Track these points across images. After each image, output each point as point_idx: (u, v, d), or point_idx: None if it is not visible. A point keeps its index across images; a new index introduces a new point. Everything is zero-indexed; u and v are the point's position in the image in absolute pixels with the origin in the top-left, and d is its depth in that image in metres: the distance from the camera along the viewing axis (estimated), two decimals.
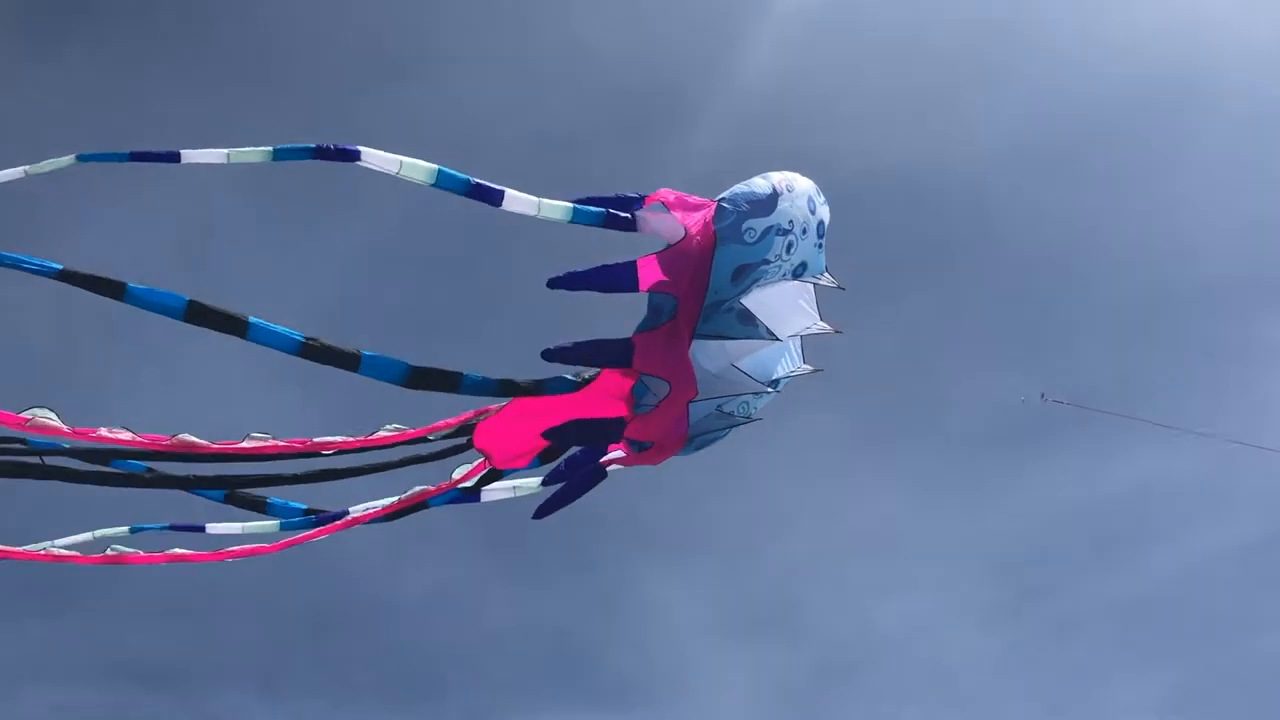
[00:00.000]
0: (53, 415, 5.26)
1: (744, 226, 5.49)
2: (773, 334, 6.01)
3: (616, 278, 5.37)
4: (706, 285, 5.53)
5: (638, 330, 5.69)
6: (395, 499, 5.76)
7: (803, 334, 6.31)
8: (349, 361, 4.97)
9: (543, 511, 6.01)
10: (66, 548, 5.87)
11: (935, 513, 29.92)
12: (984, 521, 31.77)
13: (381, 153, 4.97)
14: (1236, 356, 29.26)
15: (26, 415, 5.19)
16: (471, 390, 5.44)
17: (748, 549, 31.02)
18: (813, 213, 5.81)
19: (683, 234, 5.44)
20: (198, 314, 4.70)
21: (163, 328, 4.92)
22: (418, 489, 5.73)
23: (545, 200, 5.29)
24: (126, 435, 5.54)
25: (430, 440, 5.80)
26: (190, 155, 5.19)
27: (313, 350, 4.88)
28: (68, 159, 5.32)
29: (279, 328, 4.87)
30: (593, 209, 5.43)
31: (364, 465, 5.72)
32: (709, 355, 5.88)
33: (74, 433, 5.41)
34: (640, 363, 5.63)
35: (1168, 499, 31.04)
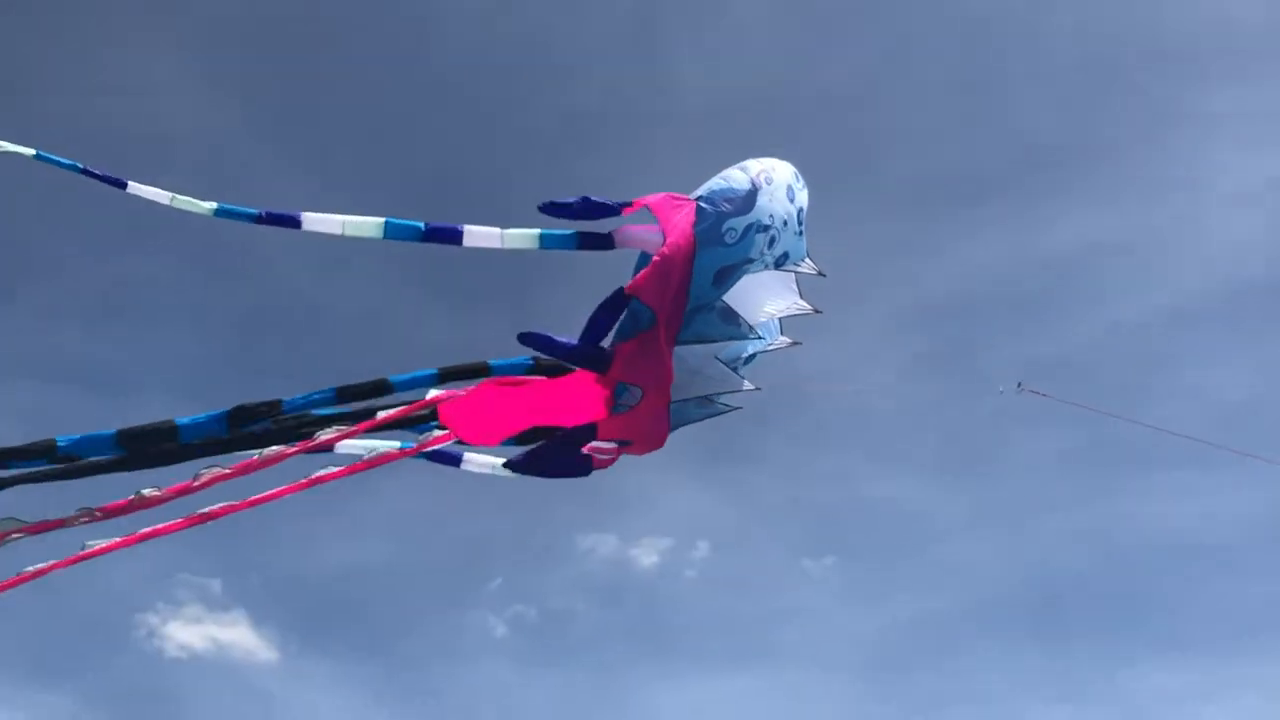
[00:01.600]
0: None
1: (724, 228, 5.41)
2: (755, 332, 5.90)
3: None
4: (687, 295, 5.48)
5: (617, 336, 5.62)
6: (361, 459, 5.47)
7: (782, 315, 6.16)
8: (271, 408, 5.26)
9: (518, 465, 5.70)
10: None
11: (867, 260, 27.98)
12: (913, 273, 29.52)
13: (323, 215, 5.04)
14: (1183, 123, 29.22)
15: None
16: (407, 385, 5.40)
17: None
18: (792, 201, 5.75)
19: (660, 243, 5.43)
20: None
21: None
22: (385, 448, 5.49)
23: (510, 230, 5.27)
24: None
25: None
26: (136, 188, 5.37)
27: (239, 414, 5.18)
28: (28, 150, 5.46)
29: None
30: (564, 233, 5.40)
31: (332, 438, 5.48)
32: (690, 349, 5.79)
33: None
34: (618, 371, 5.52)
35: (1099, 263, 28.79)
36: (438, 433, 5.54)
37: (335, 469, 5.33)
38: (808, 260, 6.01)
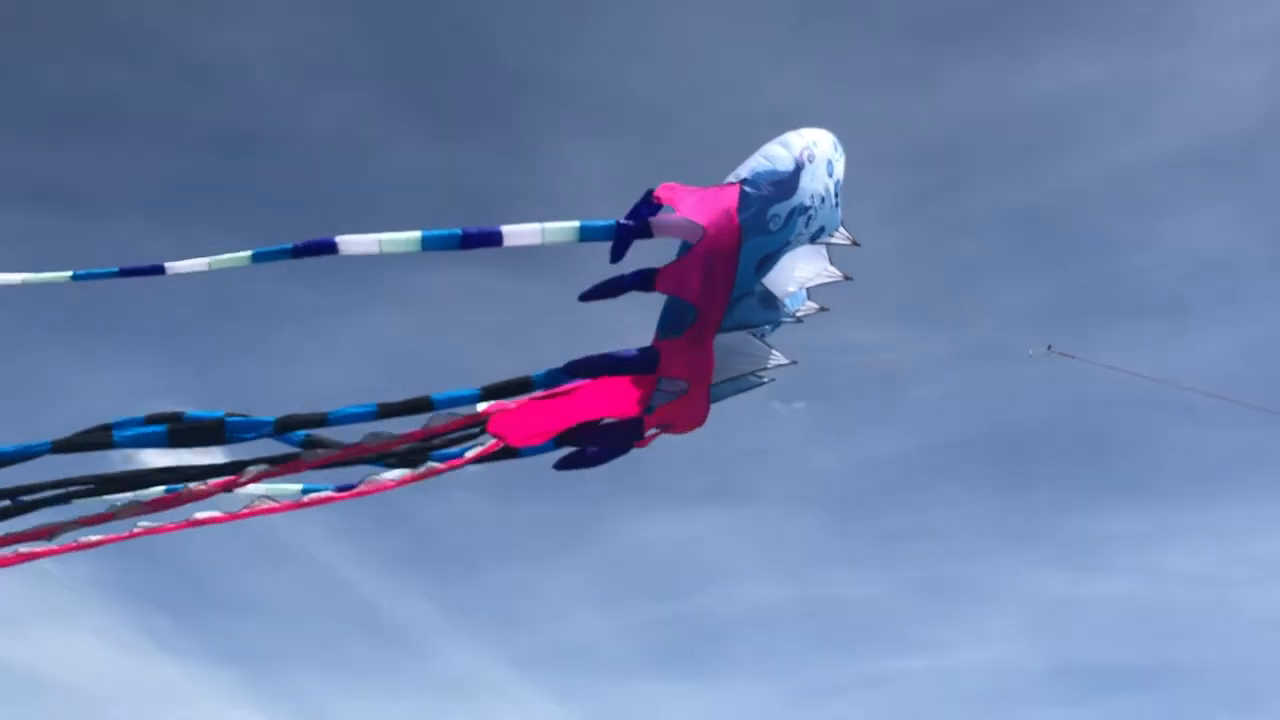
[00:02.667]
0: None
1: (769, 214, 5.23)
2: (794, 316, 5.78)
3: (632, 284, 5.27)
4: (733, 285, 5.33)
5: (659, 334, 5.49)
6: (409, 473, 5.45)
7: (812, 284, 6.03)
8: (318, 420, 5.20)
9: (565, 464, 5.68)
10: None
11: (853, 97, 29.08)
12: (900, 113, 30.78)
13: (359, 237, 4.97)
14: None
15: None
16: (447, 405, 5.32)
17: (666, 119, 29.91)
18: (830, 175, 5.60)
19: (701, 234, 5.21)
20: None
21: None
22: (432, 464, 5.42)
23: (548, 225, 5.14)
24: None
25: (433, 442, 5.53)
26: (175, 266, 5.31)
27: (283, 425, 5.15)
28: (63, 275, 5.56)
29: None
30: (601, 224, 5.25)
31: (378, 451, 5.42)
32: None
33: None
34: (664, 369, 5.42)
35: (1085, 110, 30.02)
36: (488, 441, 5.44)
37: (386, 479, 5.31)
38: (842, 230, 5.83)
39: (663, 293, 5.34)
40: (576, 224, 5.18)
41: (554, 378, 5.48)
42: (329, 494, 5.56)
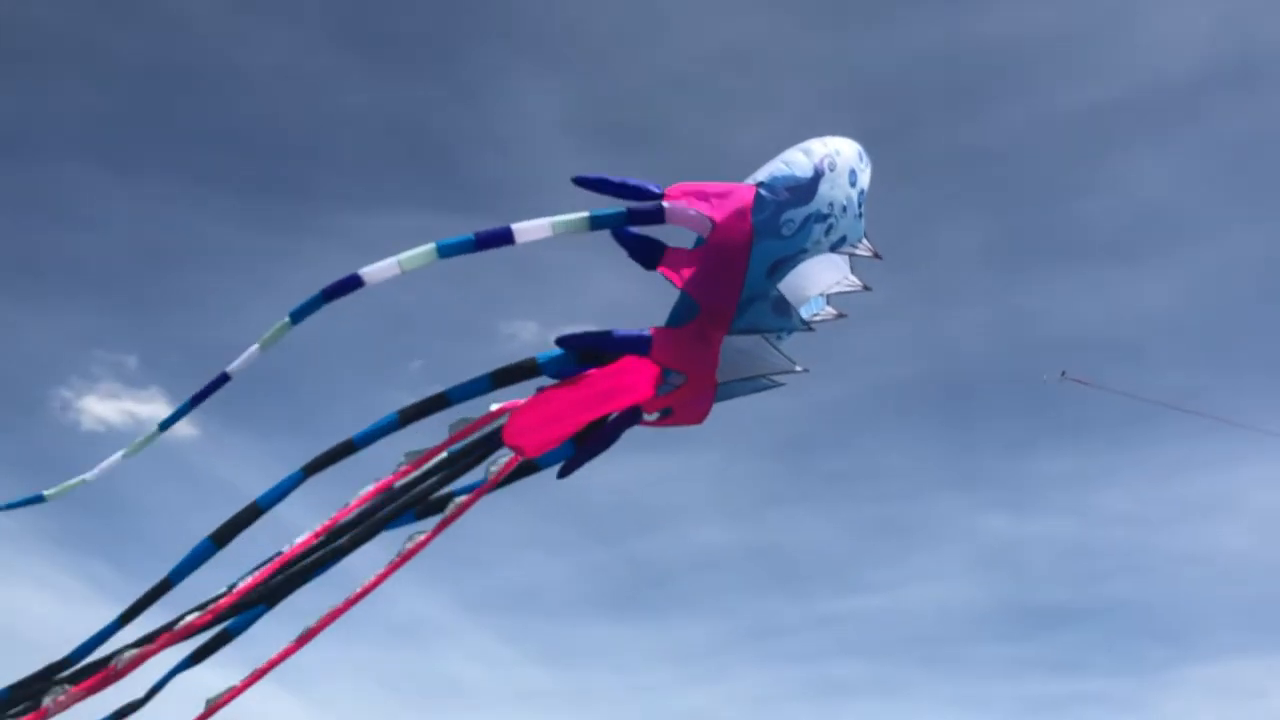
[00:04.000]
0: None
1: (782, 219, 5.20)
2: (807, 324, 5.80)
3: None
4: (741, 286, 5.34)
5: (669, 323, 5.52)
6: (441, 517, 5.45)
7: (831, 293, 6.09)
8: (344, 449, 5.23)
9: (567, 470, 5.70)
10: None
11: (805, 35, 29.36)
12: (850, 52, 31.14)
13: (378, 265, 5.05)
14: None
15: None
16: (463, 396, 5.35)
17: (618, 53, 30.07)
18: (853, 185, 5.54)
19: (711, 228, 5.24)
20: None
21: None
22: (458, 501, 5.44)
23: (558, 218, 5.16)
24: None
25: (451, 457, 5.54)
26: (234, 366, 5.47)
27: (312, 467, 5.23)
28: (154, 433, 5.73)
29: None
30: (613, 211, 5.25)
31: (407, 500, 5.44)
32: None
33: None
34: (660, 355, 5.43)
35: (1033, 53, 30.86)
36: (505, 458, 5.45)
37: (424, 534, 5.23)
38: (864, 242, 5.85)
39: (665, 275, 5.35)
40: (586, 214, 5.19)
41: (559, 362, 5.46)
42: (378, 576, 5.46)
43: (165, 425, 5.73)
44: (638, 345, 5.39)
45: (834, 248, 5.68)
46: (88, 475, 5.85)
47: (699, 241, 5.39)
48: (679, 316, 5.46)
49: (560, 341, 5.36)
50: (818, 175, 5.28)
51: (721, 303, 5.35)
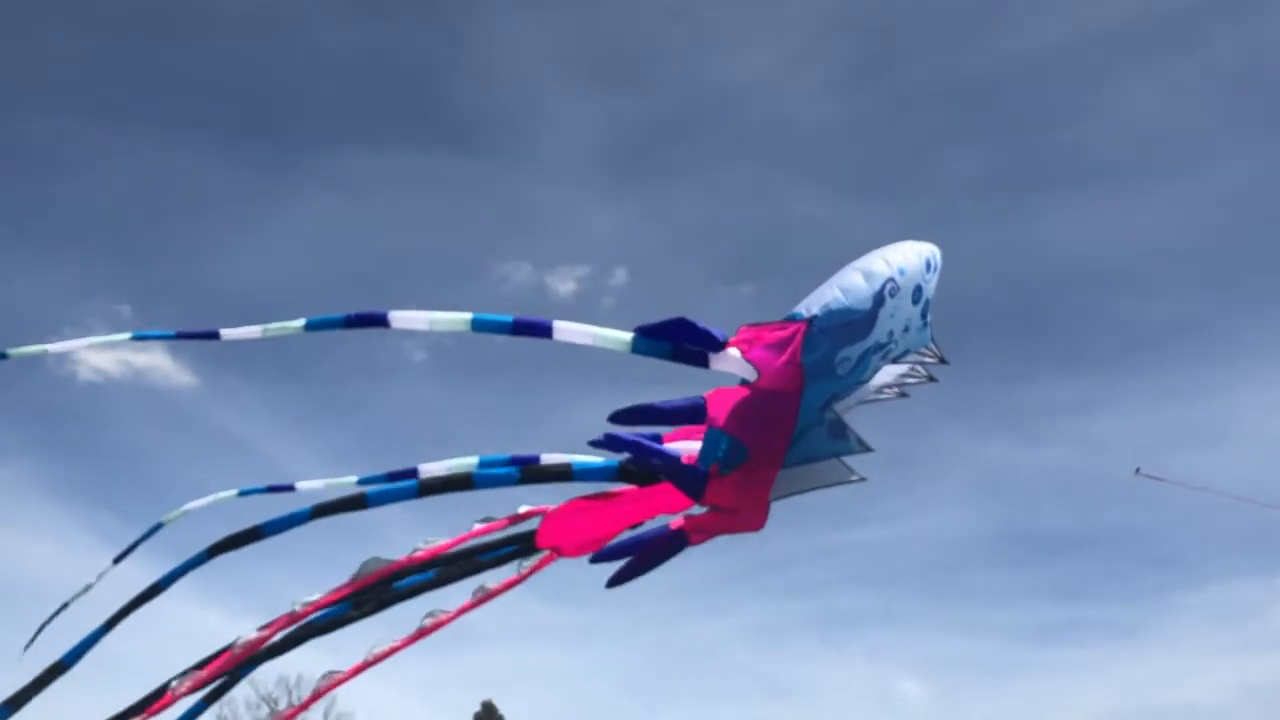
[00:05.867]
0: None
1: (837, 359, 4.78)
2: (865, 445, 5.44)
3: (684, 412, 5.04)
4: (793, 429, 5.04)
5: (703, 459, 5.25)
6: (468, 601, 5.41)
7: (898, 387, 5.81)
8: (356, 503, 5.17)
9: (618, 580, 5.56)
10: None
11: None
12: None
13: (409, 313, 4.99)
14: None
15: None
16: (489, 483, 5.20)
17: None
18: (917, 301, 5.09)
19: (757, 376, 4.90)
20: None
21: None
22: (483, 589, 5.37)
23: (600, 330, 4.91)
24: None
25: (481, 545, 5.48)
26: (229, 333, 5.36)
27: (321, 510, 5.14)
28: (123, 336, 5.67)
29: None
30: (658, 341, 4.93)
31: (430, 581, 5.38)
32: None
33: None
34: (712, 499, 5.19)
35: None
36: (539, 556, 5.34)
37: (445, 613, 5.20)
38: (930, 346, 5.50)
39: (712, 421, 5.10)
40: (629, 337, 4.93)
41: (596, 474, 5.33)
42: (394, 645, 5.39)
43: (139, 337, 5.79)
44: (692, 489, 5.13)
45: (896, 359, 5.38)
46: (50, 346, 5.89)
47: (742, 379, 5.10)
48: (729, 460, 5.14)
49: (605, 442, 5.11)
50: (878, 304, 4.82)
51: (772, 446, 5.06)
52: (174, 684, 4.87)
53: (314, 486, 5.93)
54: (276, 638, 5.04)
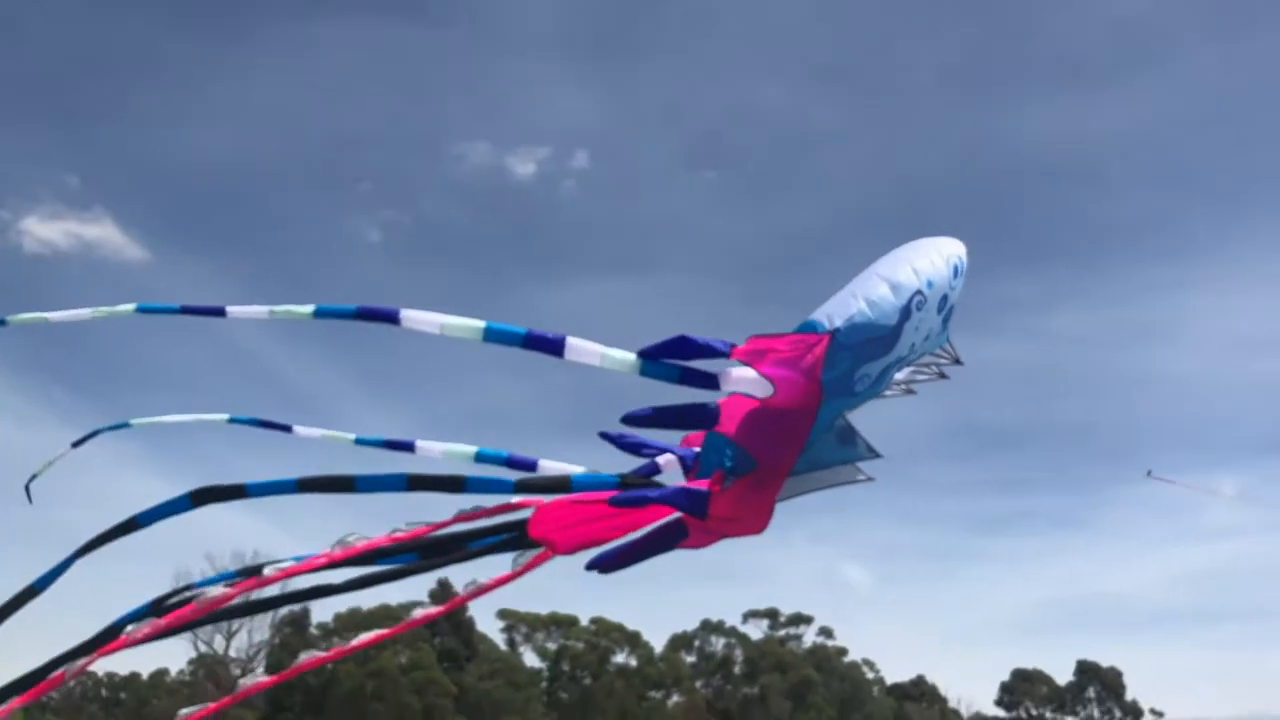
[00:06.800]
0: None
1: (857, 375, 4.64)
2: (873, 450, 5.32)
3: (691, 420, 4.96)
4: (804, 443, 4.90)
5: (711, 469, 5.12)
6: (461, 595, 5.36)
7: (909, 384, 5.68)
8: (345, 484, 5.06)
9: (607, 565, 5.48)
10: None
11: None
12: None
13: (420, 314, 4.92)
14: None
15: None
16: (481, 489, 5.10)
17: None
18: (941, 310, 4.94)
19: (772, 393, 4.72)
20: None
21: None
22: (475, 584, 5.30)
23: (611, 351, 4.77)
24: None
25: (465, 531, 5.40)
26: (235, 311, 5.38)
27: (307, 485, 5.03)
28: (128, 307, 5.69)
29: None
30: (666, 363, 4.77)
31: (417, 565, 5.31)
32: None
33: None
34: (715, 511, 5.07)
35: None
36: (533, 551, 5.23)
37: (434, 608, 5.17)
38: (946, 346, 5.35)
39: (724, 428, 4.97)
40: (636, 360, 4.82)
41: (595, 486, 5.23)
42: (377, 635, 5.35)
43: (144, 309, 5.77)
44: (694, 508, 5.00)
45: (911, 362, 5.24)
46: (50, 315, 5.94)
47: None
48: (736, 470, 5.01)
49: (615, 502, 5.03)
50: (904, 319, 4.66)
51: (782, 459, 4.94)
52: (130, 629, 4.80)
53: (311, 434, 5.90)
54: (238, 600, 5.01)
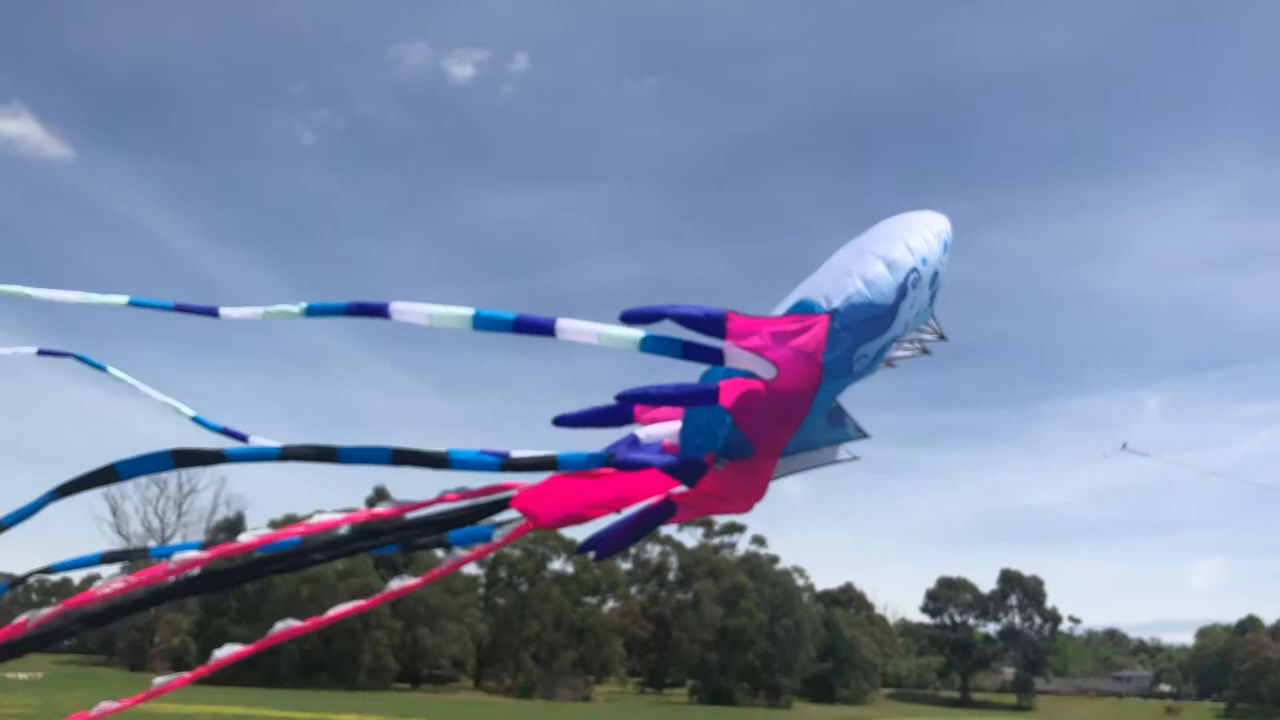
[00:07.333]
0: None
1: (856, 355, 4.64)
2: (862, 431, 5.26)
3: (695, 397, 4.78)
4: (798, 426, 4.81)
5: (702, 450, 4.99)
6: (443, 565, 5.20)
7: (891, 360, 5.58)
8: (328, 455, 4.79)
9: (600, 547, 5.36)
10: None
11: None
12: None
13: (410, 305, 4.81)
14: None
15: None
16: (466, 465, 4.90)
17: None
18: (933, 287, 4.94)
19: (775, 374, 4.58)
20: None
21: None
22: (455, 554, 5.14)
23: (607, 329, 4.61)
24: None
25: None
26: (228, 312, 5.38)
27: (290, 454, 4.78)
28: (120, 299, 5.68)
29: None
30: (669, 339, 4.59)
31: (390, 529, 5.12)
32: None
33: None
34: (706, 488, 4.96)
35: None
36: (516, 523, 5.04)
37: (412, 580, 4.99)
38: (931, 322, 5.27)
39: (728, 410, 4.82)
40: (640, 334, 4.61)
41: (582, 464, 5.05)
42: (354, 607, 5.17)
43: (136, 303, 5.74)
44: (690, 479, 4.90)
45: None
46: (33, 291, 5.88)
47: (751, 374, 4.77)
48: (730, 452, 4.90)
49: (614, 462, 4.87)
50: (901, 297, 4.68)
51: (776, 441, 4.86)
52: (28, 616, 4.66)
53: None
54: (141, 593, 4.86)
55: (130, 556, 6.03)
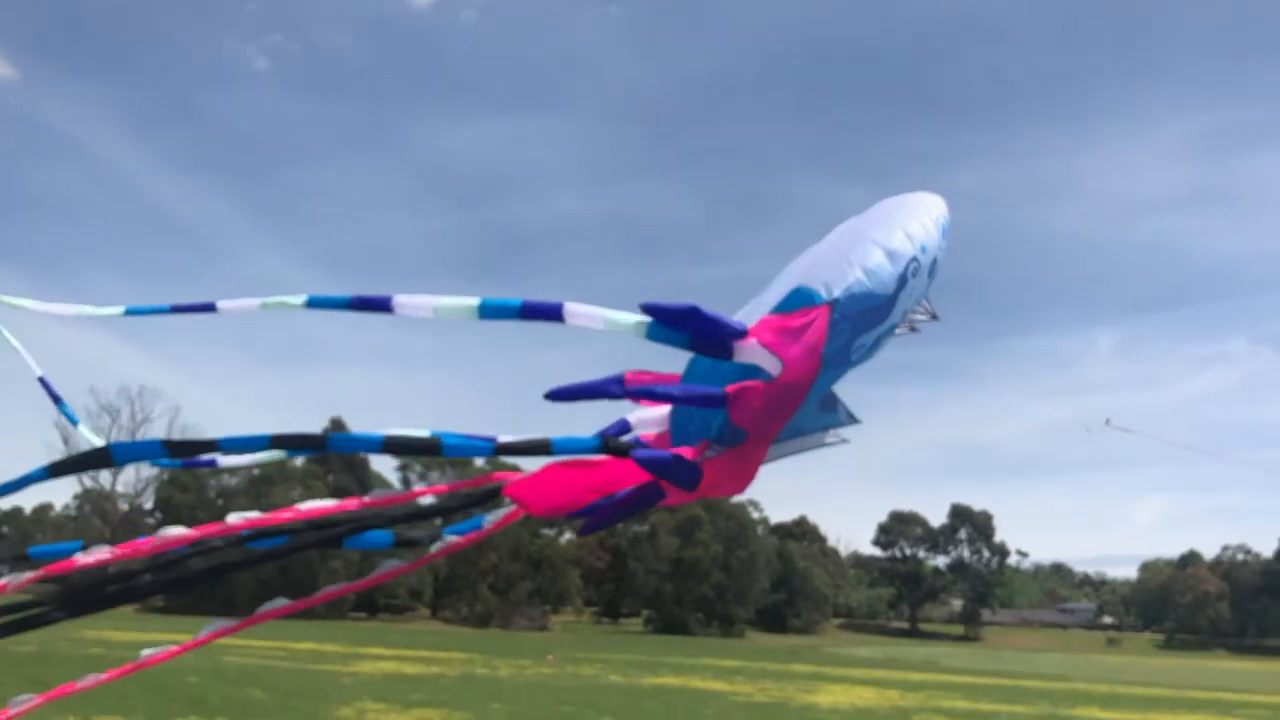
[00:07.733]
0: None
1: (854, 346, 4.60)
2: (853, 416, 5.28)
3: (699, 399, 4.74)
4: (792, 415, 4.80)
5: (695, 438, 4.98)
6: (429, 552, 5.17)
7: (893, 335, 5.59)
8: (318, 443, 4.66)
9: (587, 524, 5.36)
10: None
11: None
12: None
13: (413, 298, 4.67)
14: None
15: None
16: (458, 451, 4.84)
17: None
18: (932, 275, 4.92)
19: (780, 369, 4.56)
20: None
21: None
22: (450, 539, 5.11)
23: (615, 314, 4.52)
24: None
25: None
26: (226, 304, 5.20)
27: (280, 442, 4.73)
28: (116, 310, 5.61)
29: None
30: (676, 331, 4.52)
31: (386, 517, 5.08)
32: None
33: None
34: (704, 488, 4.95)
35: None
36: (506, 509, 5.00)
37: (400, 564, 4.95)
38: (924, 303, 5.25)
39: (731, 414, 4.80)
40: (649, 321, 4.54)
41: (577, 448, 5.00)
42: (339, 588, 5.14)
43: (132, 312, 5.66)
44: (688, 484, 4.87)
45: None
46: (33, 304, 5.82)
47: (754, 370, 4.76)
48: (723, 440, 4.89)
49: (606, 445, 4.81)
50: (900, 287, 4.66)
51: (771, 430, 4.85)
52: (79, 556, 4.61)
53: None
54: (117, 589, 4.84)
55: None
